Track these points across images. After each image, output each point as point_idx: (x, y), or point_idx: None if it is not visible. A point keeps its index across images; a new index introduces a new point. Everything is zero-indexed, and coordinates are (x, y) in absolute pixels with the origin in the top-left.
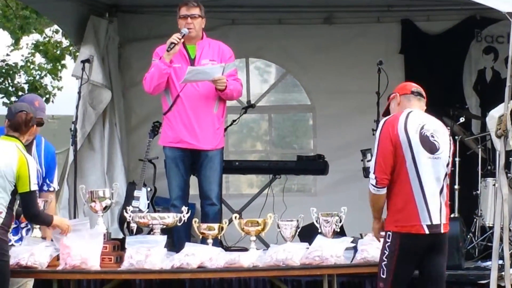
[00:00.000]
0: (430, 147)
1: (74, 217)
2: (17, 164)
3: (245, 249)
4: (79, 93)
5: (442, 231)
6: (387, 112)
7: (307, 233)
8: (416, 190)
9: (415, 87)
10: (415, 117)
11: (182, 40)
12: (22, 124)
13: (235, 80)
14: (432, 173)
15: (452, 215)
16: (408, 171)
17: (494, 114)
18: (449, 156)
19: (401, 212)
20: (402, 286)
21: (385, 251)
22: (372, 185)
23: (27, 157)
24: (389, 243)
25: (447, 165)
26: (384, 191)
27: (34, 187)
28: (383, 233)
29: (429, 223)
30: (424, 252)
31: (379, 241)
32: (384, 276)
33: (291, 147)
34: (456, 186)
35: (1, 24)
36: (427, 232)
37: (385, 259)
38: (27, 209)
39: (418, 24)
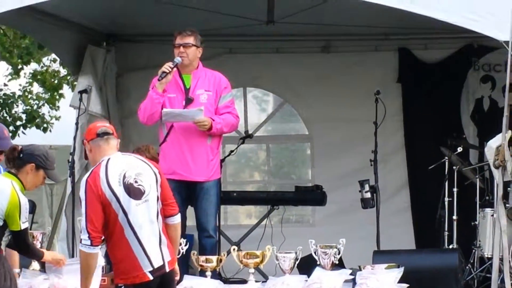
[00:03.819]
0: (137, 193)
1: (73, 248)
2: (8, 202)
3: (244, 281)
4: (76, 124)
5: (168, 269)
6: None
7: (306, 265)
8: (132, 241)
9: (100, 127)
10: (114, 167)
11: (175, 69)
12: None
13: (229, 113)
14: (145, 218)
15: (450, 246)
16: (122, 225)
17: (492, 144)
18: (157, 188)
19: (122, 264)
20: None
21: None
22: (86, 245)
23: (20, 196)
24: None
25: (159, 198)
26: (97, 249)
27: (25, 225)
28: None
29: (151, 268)
30: None
31: None
32: None
33: (289, 177)
34: (455, 217)
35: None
36: (151, 278)
37: None
38: (17, 245)
39: (415, 52)
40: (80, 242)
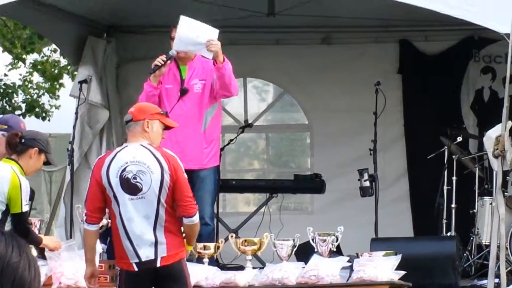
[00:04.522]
0: (132, 189)
1: (70, 235)
2: (9, 186)
3: (241, 267)
4: (76, 113)
5: (159, 264)
6: None
7: (303, 252)
8: (121, 230)
9: (128, 113)
10: (120, 158)
11: (169, 62)
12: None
13: None
14: (138, 213)
15: (448, 234)
16: (115, 212)
17: (491, 134)
18: (161, 189)
19: (116, 248)
20: None
21: (119, 284)
22: (83, 221)
23: (21, 178)
24: (118, 275)
25: (161, 198)
26: (94, 227)
27: (26, 208)
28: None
29: (137, 260)
30: (150, 284)
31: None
32: None
33: (288, 166)
34: (453, 205)
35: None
36: (136, 269)
37: None
38: (17, 229)
39: (416, 44)
40: None
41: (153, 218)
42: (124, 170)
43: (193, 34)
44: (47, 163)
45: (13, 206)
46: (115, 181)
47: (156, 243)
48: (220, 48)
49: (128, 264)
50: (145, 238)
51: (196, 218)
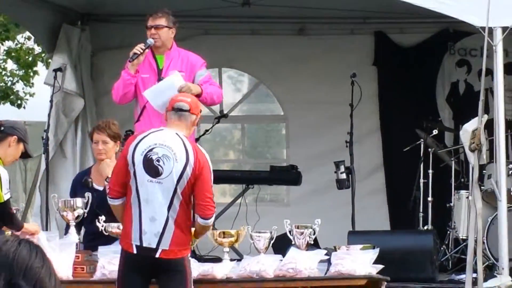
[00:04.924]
0: (152, 171)
1: (46, 224)
2: None
3: (219, 259)
4: (51, 101)
5: (159, 256)
6: None
7: (280, 244)
8: (134, 209)
9: (179, 101)
10: (151, 138)
11: (147, 50)
12: None
13: (211, 85)
14: (154, 196)
15: (425, 227)
16: (132, 189)
17: (468, 128)
18: (180, 179)
19: (124, 227)
20: None
21: (119, 263)
22: (107, 194)
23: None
24: (119, 256)
25: (178, 189)
26: (118, 202)
27: (7, 196)
28: None
29: (138, 243)
30: (148, 272)
31: None
32: None
33: (264, 157)
34: (430, 198)
35: None
36: (135, 252)
37: (118, 272)
38: (2, 217)
39: (391, 36)
40: None
41: (166, 206)
42: (150, 150)
43: (163, 96)
44: (24, 155)
45: None
46: (138, 159)
47: (162, 233)
48: (191, 87)
49: (129, 245)
50: (154, 225)
51: (211, 221)
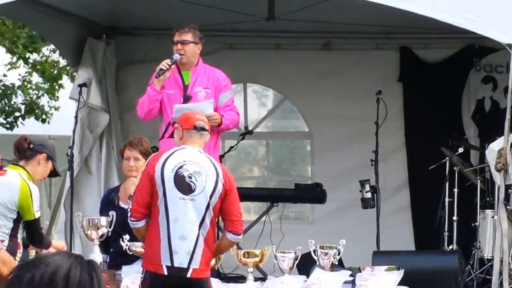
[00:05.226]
0: (185, 188)
1: (70, 242)
2: (19, 193)
3: (243, 277)
4: (76, 117)
5: (189, 275)
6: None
7: (305, 263)
8: (163, 229)
9: (199, 120)
10: (178, 155)
11: (173, 66)
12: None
13: (231, 110)
14: (184, 215)
15: (450, 247)
16: (159, 209)
17: (494, 147)
18: (212, 196)
19: (148, 249)
20: None
21: (142, 286)
22: (129, 217)
23: (30, 185)
24: (142, 279)
25: (210, 205)
26: (140, 224)
27: (38, 214)
28: None
29: (169, 264)
30: None
31: None
32: None
33: (288, 174)
34: (455, 217)
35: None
36: (166, 273)
37: None
38: (32, 235)
39: (416, 52)
40: None
41: (198, 224)
42: (181, 167)
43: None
44: (52, 173)
45: (25, 213)
46: (169, 176)
47: (193, 252)
48: (217, 120)
49: (157, 266)
50: (185, 244)
51: (241, 237)
